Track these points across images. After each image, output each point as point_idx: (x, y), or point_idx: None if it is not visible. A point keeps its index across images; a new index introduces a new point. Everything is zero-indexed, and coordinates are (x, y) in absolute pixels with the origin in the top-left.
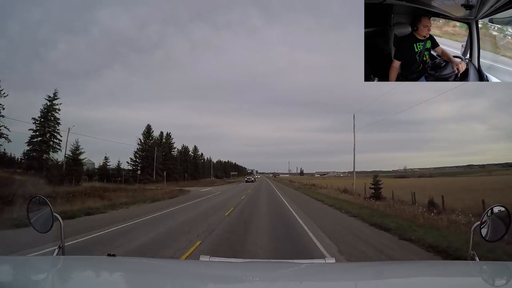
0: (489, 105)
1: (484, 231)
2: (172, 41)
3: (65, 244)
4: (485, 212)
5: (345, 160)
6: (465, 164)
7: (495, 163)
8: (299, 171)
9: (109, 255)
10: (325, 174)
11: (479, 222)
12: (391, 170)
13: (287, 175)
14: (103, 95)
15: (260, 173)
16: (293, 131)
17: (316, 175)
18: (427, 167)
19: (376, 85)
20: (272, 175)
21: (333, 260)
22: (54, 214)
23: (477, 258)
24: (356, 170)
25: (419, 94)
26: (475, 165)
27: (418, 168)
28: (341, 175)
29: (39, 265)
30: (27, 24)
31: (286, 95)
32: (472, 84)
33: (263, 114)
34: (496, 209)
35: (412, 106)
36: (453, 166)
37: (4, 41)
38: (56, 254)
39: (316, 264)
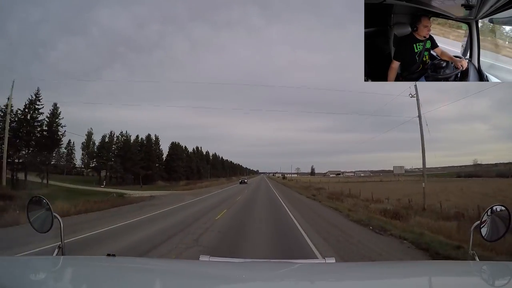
0: (491, 105)
1: (484, 231)
2: (171, 41)
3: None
4: (485, 211)
5: (353, 160)
6: (472, 164)
7: (498, 162)
8: (304, 171)
9: (108, 255)
10: (339, 174)
11: (479, 222)
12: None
13: (295, 175)
14: (103, 95)
15: (261, 173)
16: (294, 131)
17: (330, 175)
18: (435, 167)
19: (379, 85)
20: (276, 175)
21: (333, 260)
22: (54, 214)
23: (477, 258)
24: (362, 169)
25: (421, 94)
26: (483, 164)
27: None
28: (362, 174)
29: (38, 265)
30: (26, 25)
31: (287, 95)
32: (474, 83)
33: (264, 113)
34: (496, 209)
35: (436, 108)
36: (462, 166)
37: (3, 41)
38: (56, 254)
39: (316, 264)
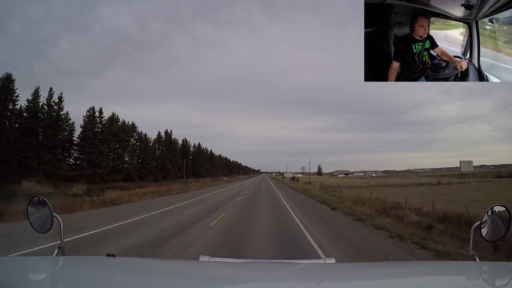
0: (494, 106)
1: (484, 231)
2: (174, 39)
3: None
4: (486, 211)
5: (354, 160)
6: (478, 165)
7: (502, 163)
8: (311, 170)
9: (108, 255)
10: (348, 174)
11: (479, 222)
12: (402, 170)
13: (300, 175)
14: (105, 93)
15: (262, 172)
16: (297, 130)
17: (339, 175)
18: (439, 167)
19: (380, 85)
20: (285, 175)
21: (333, 260)
22: (54, 214)
23: (477, 258)
24: (365, 169)
25: (424, 93)
26: (489, 166)
27: (430, 169)
28: (373, 174)
29: (38, 265)
30: (28, 23)
31: (289, 94)
32: (477, 84)
33: (266, 113)
34: (496, 209)
35: (451, 126)
36: (503, 165)
37: (5, 39)
38: (56, 255)
39: (316, 264)
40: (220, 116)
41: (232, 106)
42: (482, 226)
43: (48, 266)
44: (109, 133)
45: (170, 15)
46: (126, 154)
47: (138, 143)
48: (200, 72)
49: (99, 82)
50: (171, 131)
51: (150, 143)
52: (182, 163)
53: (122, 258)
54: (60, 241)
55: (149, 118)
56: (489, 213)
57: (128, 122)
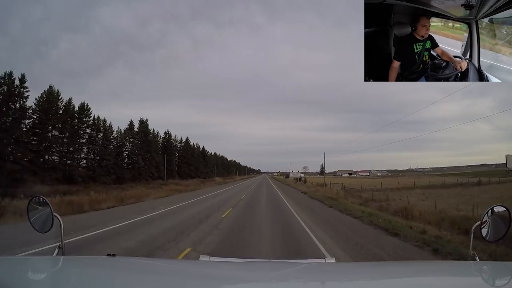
0: (494, 105)
1: (484, 231)
2: (174, 39)
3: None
4: (486, 211)
5: (358, 159)
6: (480, 164)
7: (503, 162)
8: (312, 170)
9: (108, 255)
10: (351, 173)
11: (479, 222)
12: (404, 169)
13: (302, 175)
14: (105, 93)
15: (263, 172)
16: (298, 130)
17: (342, 175)
18: (440, 167)
19: (381, 85)
20: (291, 175)
21: (333, 260)
22: (54, 214)
23: (477, 258)
24: (366, 169)
25: (424, 93)
26: (491, 164)
27: (431, 168)
28: (378, 174)
29: (38, 265)
30: (28, 23)
31: (290, 94)
32: (477, 84)
33: (267, 112)
34: (496, 209)
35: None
36: (468, 166)
37: (5, 39)
38: (56, 254)
39: (316, 264)
40: (220, 116)
41: (233, 105)
42: (482, 226)
43: (48, 266)
44: (40, 115)
45: (170, 15)
46: (76, 146)
47: (94, 133)
48: (200, 72)
49: (99, 82)
50: (146, 120)
51: (113, 133)
52: (161, 160)
53: (122, 258)
54: (60, 241)
55: (149, 118)
56: (489, 213)
57: (81, 103)
